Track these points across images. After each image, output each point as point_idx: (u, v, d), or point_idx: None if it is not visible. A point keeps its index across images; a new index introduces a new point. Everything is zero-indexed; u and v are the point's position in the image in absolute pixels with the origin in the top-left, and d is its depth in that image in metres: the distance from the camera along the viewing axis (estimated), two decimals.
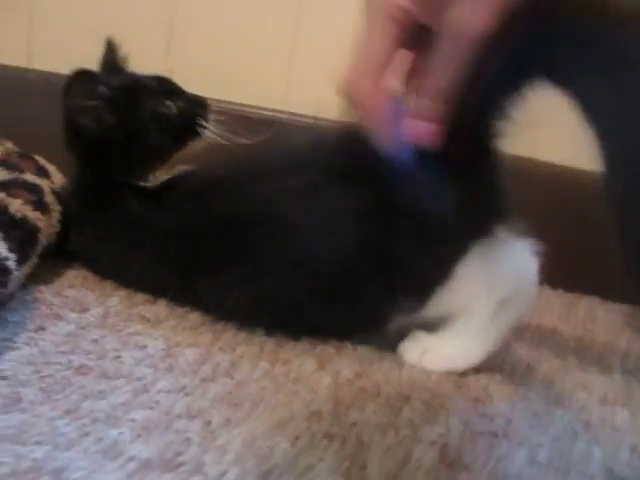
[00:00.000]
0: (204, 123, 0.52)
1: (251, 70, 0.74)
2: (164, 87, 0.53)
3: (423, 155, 0.34)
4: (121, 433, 0.29)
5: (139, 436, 0.29)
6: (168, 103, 0.52)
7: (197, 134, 0.52)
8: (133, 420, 0.30)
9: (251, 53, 0.74)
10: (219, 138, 0.52)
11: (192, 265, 0.46)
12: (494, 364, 0.48)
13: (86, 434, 0.29)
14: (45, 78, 0.76)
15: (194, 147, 0.54)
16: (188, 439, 0.29)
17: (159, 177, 0.53)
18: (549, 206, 0.71)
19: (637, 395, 0.48)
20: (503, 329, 0.45)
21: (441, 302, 0.43)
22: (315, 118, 0.68)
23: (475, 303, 0.43)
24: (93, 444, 0.28)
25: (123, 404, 0.32)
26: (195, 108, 0.53)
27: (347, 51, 0.32)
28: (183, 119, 0.52)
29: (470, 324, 0.44)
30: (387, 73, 0.32)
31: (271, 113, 0.73)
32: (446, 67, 0.30)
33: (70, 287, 0.49)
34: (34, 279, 0.48)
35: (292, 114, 0.72)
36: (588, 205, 0.70)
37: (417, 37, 0.31)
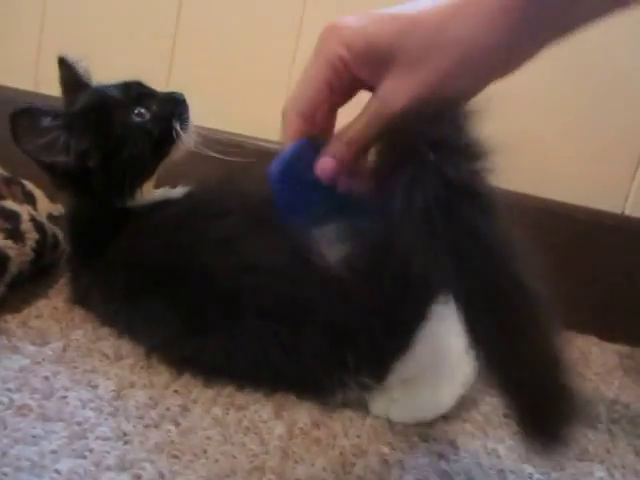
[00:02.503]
0: (185, 122, 0.49)
1: (248, 100, 0.74)
2: (133, 93, 0.50)
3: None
4: None
5: None
6: (139, 110, 0.49)
7: (179, 136, 0.49)
8: (58, 471, 0.29)
9: (249, 84, 0.74)
10: (196, 144, 0.50)
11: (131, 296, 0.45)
12: (466, 413, 0.46)
13: None
14: (51, 103, 0.78)
15: (178, 154, 0.51)
16: None
17: (148, 195, 0.51)
18: (542, 241, 0.70)
19: (619, 449, 0.45)
20: (471, 374, 0.43)
21: (402, 371, 0.40)
22: None
23: (438, 358, 0.41)
24: None
25: (54, 452, 0.31)
26: (172, 107, 0.50)
27: None
28: (160, 123, 0.49)
29: (437, 374, 0.42)
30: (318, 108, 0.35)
31: (265, 143, 0.73)
32: (363, 125, 0.34)
33: (37, 317, 0.49)
34: (2, 308, 0.47)
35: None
36: (585, 241, 0.70)
37: (352, 87, 0.35)
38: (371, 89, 0.34)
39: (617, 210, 0.72)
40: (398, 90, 0.32)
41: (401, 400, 0.43)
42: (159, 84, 0.52)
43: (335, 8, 0.71)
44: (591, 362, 0.64)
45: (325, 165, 0.34)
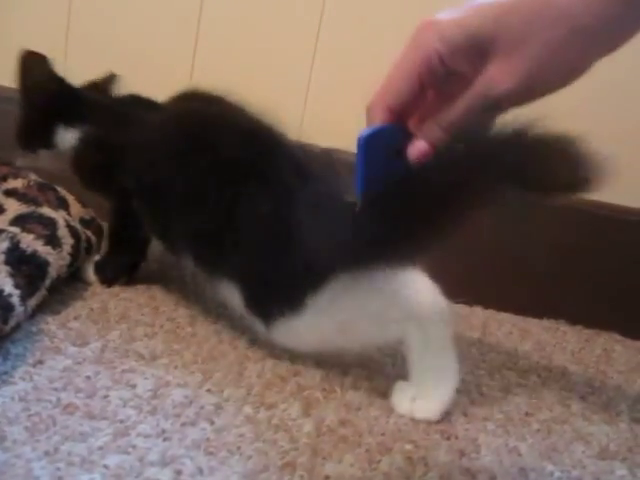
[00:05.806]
0: None
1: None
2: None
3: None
4: (92, 479, 0.30)
5: None
6: None
7: None
8: (106, 466, 0.31)
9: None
10: None
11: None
12: (488, 411, 0.47)
13: (59, 479, 0.30)
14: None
15: None
16: None
17: None
18: (567, 240, 0.70)
19: None
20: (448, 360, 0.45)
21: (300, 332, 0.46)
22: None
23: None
24: None
25: (101, 448, 0.33)
26: None
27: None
28: None
29: (430, 365, 0.44)
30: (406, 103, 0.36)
31: None
32: (464, 111, 0.35)
33: (75, 319, 0.51)
34: (42, 309, 0.50)
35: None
36: (609, 239, 0.70)
37: (444, 81, 0.36)
38: (463, 83, 0.35)
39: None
40: (504, 72, 0.33)
41: (420, 397, 0.44)
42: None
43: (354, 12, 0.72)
44: (614, 360, 0.65)
45: (419, 147, 0.36)
